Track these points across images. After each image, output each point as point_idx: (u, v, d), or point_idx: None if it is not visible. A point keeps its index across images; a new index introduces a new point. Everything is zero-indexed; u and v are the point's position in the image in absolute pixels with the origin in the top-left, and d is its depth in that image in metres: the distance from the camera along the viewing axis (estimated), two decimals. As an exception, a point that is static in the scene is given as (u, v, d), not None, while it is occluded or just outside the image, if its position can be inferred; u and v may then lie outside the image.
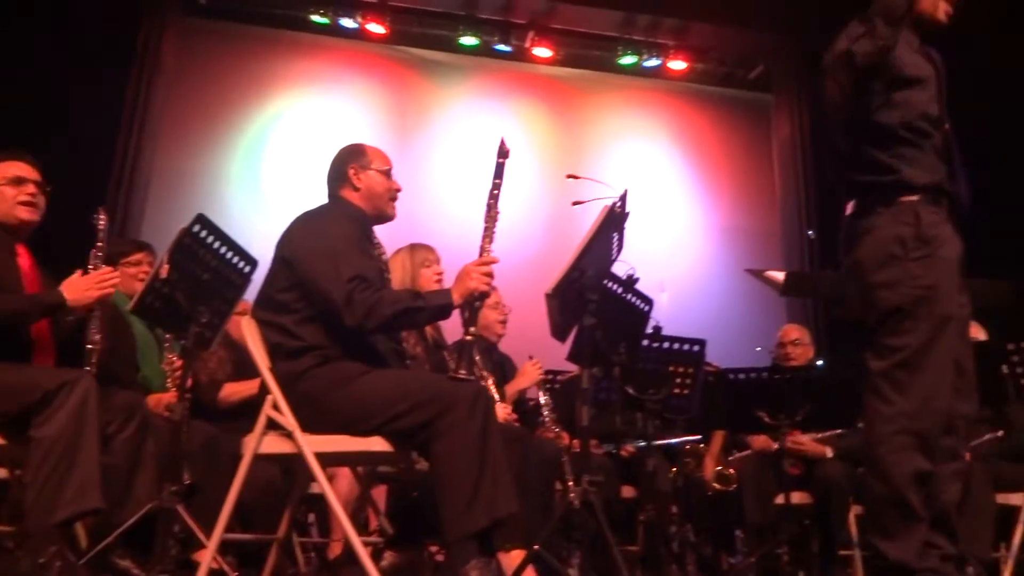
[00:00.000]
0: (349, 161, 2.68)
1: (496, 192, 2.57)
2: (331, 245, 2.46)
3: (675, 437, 4.34)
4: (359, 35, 6.36)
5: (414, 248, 3.41)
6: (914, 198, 2.28)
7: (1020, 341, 3.55)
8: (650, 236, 6.81)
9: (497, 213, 2.55)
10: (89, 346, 2.65)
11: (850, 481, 3.79)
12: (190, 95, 6.11)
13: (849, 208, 2.40)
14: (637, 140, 7.10)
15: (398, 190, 2.69)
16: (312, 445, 2.35)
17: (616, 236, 2.77)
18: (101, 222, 2.81)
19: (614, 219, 2.61)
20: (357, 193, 2.64)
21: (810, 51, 6.60)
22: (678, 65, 6.82)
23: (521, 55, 6.72)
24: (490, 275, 2.45)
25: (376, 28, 6.25)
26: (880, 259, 2.27)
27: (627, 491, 4.03)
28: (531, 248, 5.78)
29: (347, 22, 6.25)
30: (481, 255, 2.48)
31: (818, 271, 5.78)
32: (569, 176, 3.04)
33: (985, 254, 2.86)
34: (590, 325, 2.60)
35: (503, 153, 2.61)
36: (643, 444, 3.77)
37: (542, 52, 6.64)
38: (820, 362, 4.93)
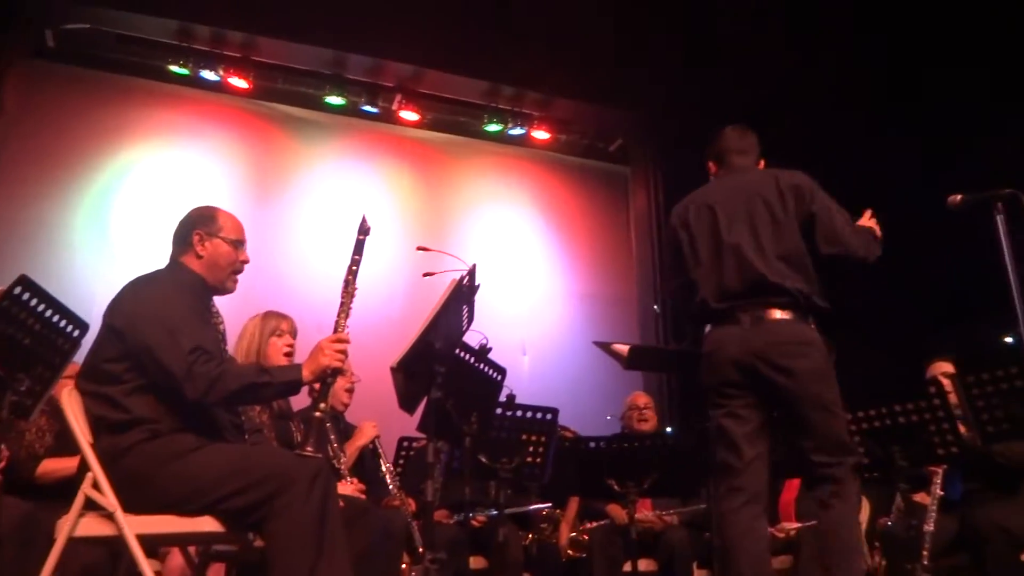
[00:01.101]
0: (196, 226, 2.60)
1: (355, 268, 2.57)
2: (169, 314, 2.37)
3: (528, 504, 4.35)
4: (221, 88, 6.22)
5: (267, 316, 3.32)
6: None
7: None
8: (512, 300, 6.92)
9: (355, 289, 2.55)
10: None
11: (694, 547, 3.92)
12: (32, 141, 5.75)
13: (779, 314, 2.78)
14: (501, 206, 7.23)
15: (245, 262, 2.62)
16: (135, 526, 2.21)
17: (466, 308, 2.80)
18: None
19: (462, 292, 2.63)
20: (199, 261, 2.56)
21: (664, 129, 7.02)
22: (542, 135, 7.04)
23: (388, 117, 6.75)
24: (344, 352, 2.43)
25: (239, 82, 6.14)
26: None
27: (477, 562, 3.99)
28: (391, 314, 5.72)
29: (208, 74, 6.09)
30: (336, 331, 2.46)
31: (664, 344, 6.02)
32: (419, 248, 3.06)
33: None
34: (437, 398, 2.60)
35: (363, 230, 2.62)
36: (495, 513, 3.77)
37: (409, 115, 6.69)
38: (669, 429, 5.11)
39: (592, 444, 3.96)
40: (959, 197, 2.92)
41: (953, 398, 3.51)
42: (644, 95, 6.79)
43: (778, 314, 2.82)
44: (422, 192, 6.92)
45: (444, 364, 2.64)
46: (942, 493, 3.60)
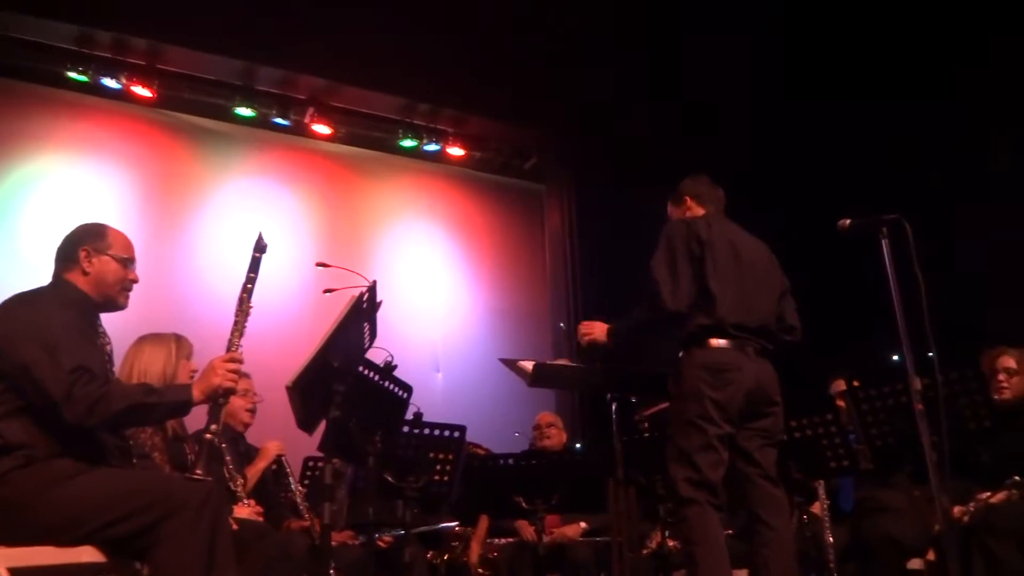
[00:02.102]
0: (83, 242, 2.49)
1: (250, 287, 2.51)
2: (50, 333, 2.26)
3: (437, 523, 4.32)
4: (123, 96, 6.00)
5: (180, 339, 3.20)
6: None
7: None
8: (427, 318, 6.89)
9: (250, 308, 2.49)
10: None
11: (596, 561, 3.95)
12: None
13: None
14: (417, 222, 7.20)
15: (134, 281, 2.53)
16: (8, 559, 2.09)
17: (368, 325, 2.76)
18: None
19: (362, 310, 2.60)
20: (85, 278, 2.45)
21: (579, 148, 7.12)
22: (457, 151, 7.04)
23: (300, 130, 6.63)
24: (237, 372, 2.37)
25: (142, 91, 5.94)
26: None
27: (383, 583, 3.93)
28: (298, 332, 5.58)
29: (110, 82, 5.87)
30: (229, 350, 2.40)
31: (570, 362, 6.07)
32: (319, 264, 3.01)
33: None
34: (335, 417, 2.56)
35: (260, 248, 2.56)
36: (401, 533, 3.72)
37: (321, 129, 6.60)
38: (579, 445, 5.16)
39: (501, 461, 3.96)
40: (847, 221, 3.05)
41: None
42: (559, 113, 6.89)
43: (767, 355, 3.12)
44: (335, 207, 6.82)
45: (344, 383, 2.59)
46: (828, 502, 3.74)
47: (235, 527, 2.57)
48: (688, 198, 3.37)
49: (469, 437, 4.60)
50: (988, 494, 3.50)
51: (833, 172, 5.96)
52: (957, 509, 3.44)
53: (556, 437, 4.61)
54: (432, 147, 6.95)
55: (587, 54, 6.53)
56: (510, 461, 3.92)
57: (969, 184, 5.61)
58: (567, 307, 6.95)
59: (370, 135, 6.95)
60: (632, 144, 6.63)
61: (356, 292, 2.65)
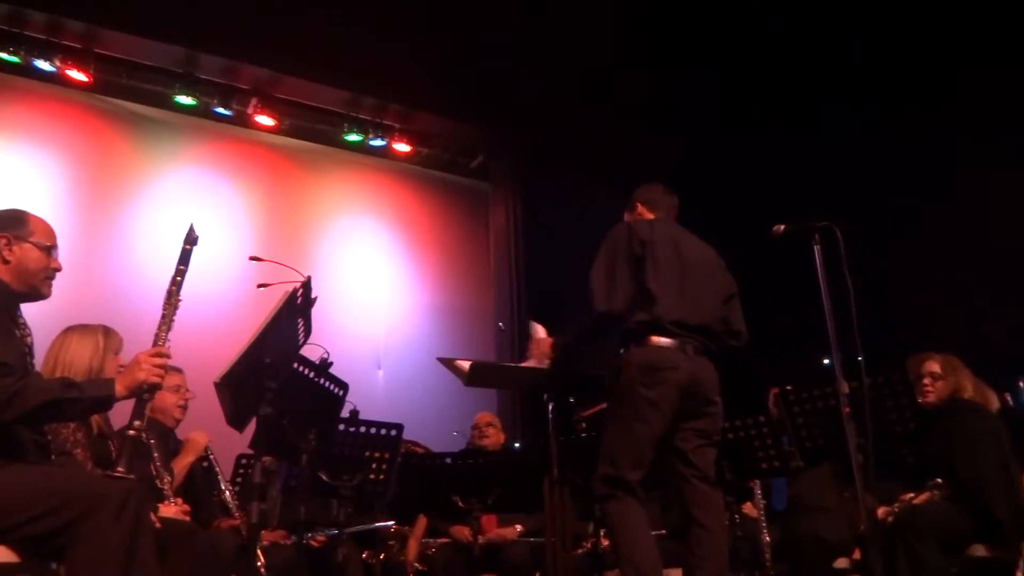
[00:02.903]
0: (3, 229, 2.40)
1: (179, 279, 2.45)
2: (-36, 324, 2.17)
3: (372, 522, 4.27)
4: (57, 80, 5.80)
5: (109, 332, 3.09)
6: None
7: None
8: (369, 314, 6.82)
9: (179, 301, 2.43)
10: None
11: (532, 561, 3.96)
12: None
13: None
14: (360, 217, 7.12)
15: (57, 269, 2.45)
16: (-87, 559, 2.00)
17: (302, 321, 2.72)
18: None
19: (295, 306, 2.55)
20: (6, 267, 2.37)
21: (525, 148, 7.13)
22: (403, 147, 6.98)
23: (243, 120, 6.49)
24: (164, 367, 2.31)
25: (78, 75, 5.75)
26: None
27: (316, 583, 3.87)
28: (235, 327, 5.42)
29: (43, 64, 5.67)
30: (156, 344, 2.34)
31: (511, 361, 6.08)
32: (252, 258, 2.95)
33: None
34: (267, 414, 2.51)
35: (191, 240, 2.50)
36: (335, 532, 3.68)
37: (265, 120, 6.47)
38: (517, 445, 5.17)
39: (438, 460, 3.93)
40: (782, 227, 3.11)
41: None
42: (506, 113, 6.88)
43: (706, 354, 3.11)
44: (277, 201, 6.70)
45: (276, 379, 2.55)
46: (764, 502, 3.81)
47: (159, 526, 2.51)
48: (639, 204, 3.38)
49: (409, 435, 4.58)
50: (912, 495, 3.62)
51: (769, 176, 6.08)
52: (882, 509, 3.54)
53: (494, 437, 4.61)
54: (378, 142, 6.89)
55: (535, 54, 6.54)
56: (447, 460, 3.90)
57: (904, 195, 5.79)
58: (510, 307, 6.96)
59: (315, 128, 6.85)
60: (578, 145, 6.67)
61: (291, 287, 2.60)
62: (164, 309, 2.37)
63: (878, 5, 5.87)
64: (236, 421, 2.59)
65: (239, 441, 3.67)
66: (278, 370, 2.59)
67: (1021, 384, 4.09)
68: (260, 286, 2.88)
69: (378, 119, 6.84)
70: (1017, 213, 5.30)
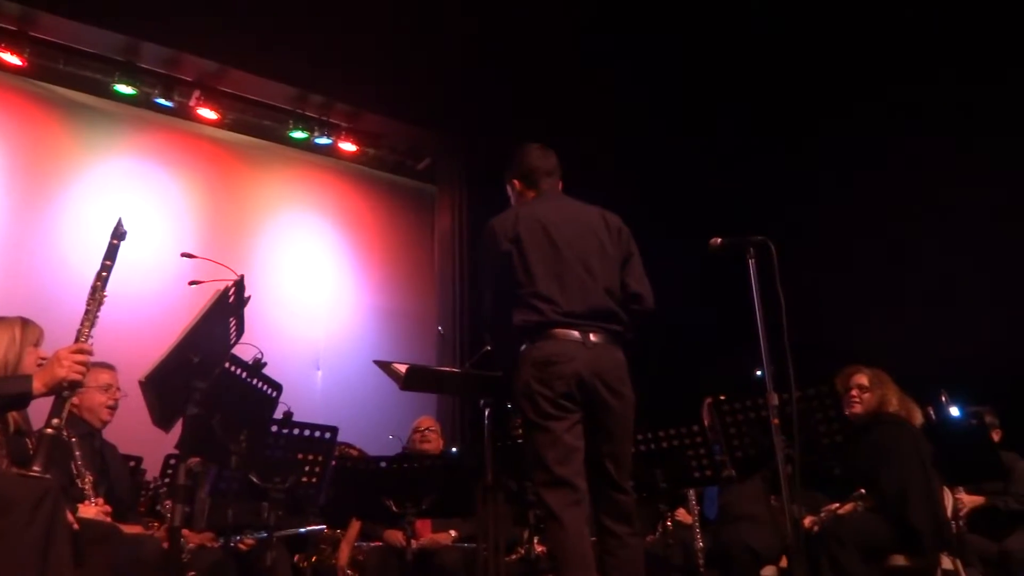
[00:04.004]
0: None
1: (105, 275, 2.39)
2: None
3: (303, 526, 4.21)
4: (-11, 62, 5.61)
5: (27, 323, 2.97)
6: None
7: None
8: (310, 314, 6.72)
9: (103, 296, 2.37)
10: None
11: (465, 566, 3.95)
12: None
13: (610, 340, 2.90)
14: (303, 216, 7.02)
15: None
16: None
17: (234, 321, 2.66)
18: None
19: (227, 304, 2.50)
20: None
21: (472, 151, 7.12)
22: (349, 147, 6.91)
23: (184, 112, 6.36)
24: (85, 364, 2.24)
25: (11, 59, 5.56)
26: None
27: (243, 587, 3.80)
28: (169, 325, 5.29)
29: (-26, 46, 5.48)
30: (78, 340, 2.27)
31: (451, 365, 6.07)
32: (184, 255, 2.89)
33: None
34: (194, 414, 2.45)
35: (118, 234, 2.45)
36: (264, 535, 3.61)
37: (207, 113, 6.35)
38: (454, 449, 5.15)
39: (373, 464, 3.89)
40: (719, 240, 3.16)
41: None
42: (454, 115, 6.87)
43: (609, 340, 2.91)
44: (218, 196, 6.57)
45: (205, 379, 2.49)
46: (699, 508, 3.86)
47: (77, 527, 2.43)
48: (516, 181, 3.22)
49: (347, 438, 4.53)
50: (837, 505, 3.71)
51: (705, 187, 6.21)
52: (808, 519, 3.62)
53: (435, 442, 4.59)
54: (323, 140, 6.81)
55: (485, 57, 6.54)
56: (382, 464, 3.86)
57: (837, 210, 5.95)
58: (453, 310, 6.93)
59: (259, 123, 6.75)
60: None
61: (223, 286, 2.55)
62: (88, 305, 2.30)
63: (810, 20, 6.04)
64: (162, 421, 2.53)
65: (169, 441, 3.60)
66: (207, 370, 2.53)
67: (944, 398, 4.21)
68: (192, 283, 2.81)
69: (324, 117, 6.77)
70: (947, 228, 5.49)
